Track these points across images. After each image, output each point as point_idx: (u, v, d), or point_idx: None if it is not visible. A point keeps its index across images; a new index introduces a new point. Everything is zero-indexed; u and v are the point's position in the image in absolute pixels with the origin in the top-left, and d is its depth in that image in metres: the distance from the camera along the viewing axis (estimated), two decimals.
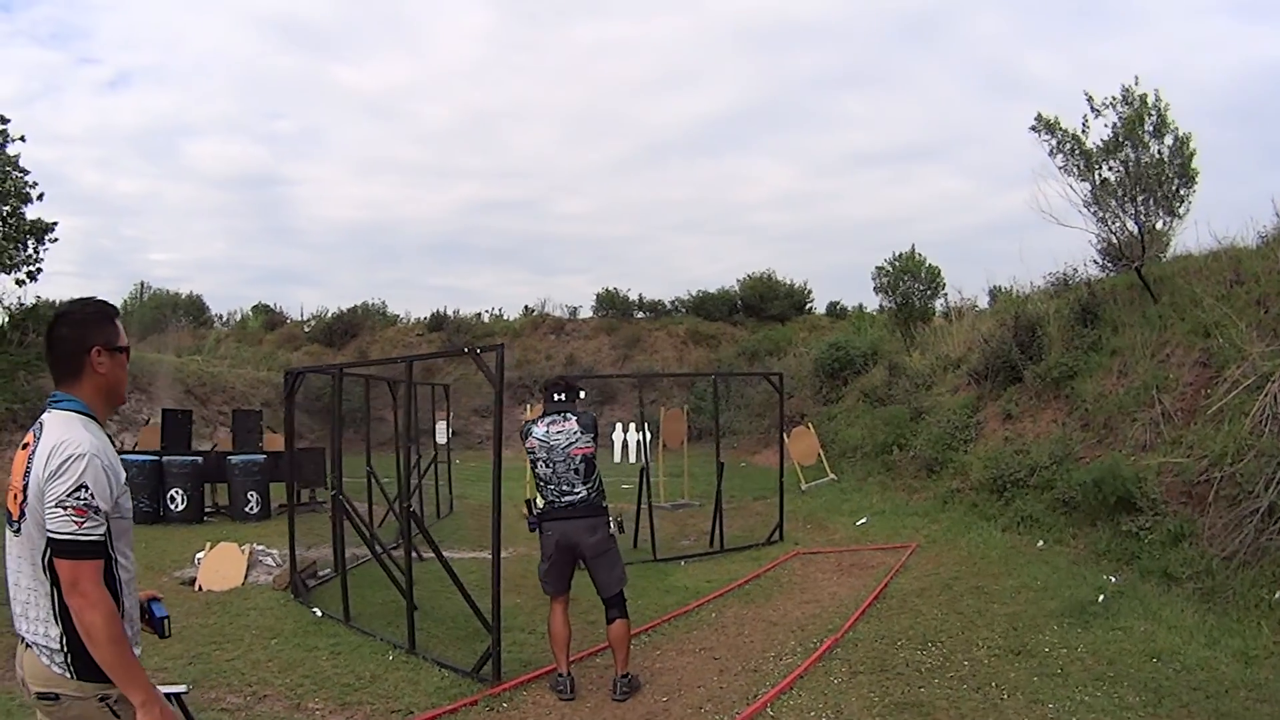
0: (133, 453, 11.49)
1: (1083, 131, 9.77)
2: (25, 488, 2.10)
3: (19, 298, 14.31)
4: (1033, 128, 10.08)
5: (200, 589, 7.30)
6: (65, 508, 2.03)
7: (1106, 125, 9.73)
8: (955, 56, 47.91)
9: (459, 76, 50.92)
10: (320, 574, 7.76)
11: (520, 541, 8.86)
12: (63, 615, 2.07)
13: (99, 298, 2.32)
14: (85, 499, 2.05)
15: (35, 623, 2.11)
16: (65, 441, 2.08)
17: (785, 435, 12.82)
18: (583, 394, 5.26)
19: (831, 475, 13.12)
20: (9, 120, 13.60)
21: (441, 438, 19.37)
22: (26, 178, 13.65)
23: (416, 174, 50.67)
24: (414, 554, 8.69)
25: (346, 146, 51.66)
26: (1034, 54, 44.98)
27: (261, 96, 51.78)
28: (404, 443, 5.97)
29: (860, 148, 49.03)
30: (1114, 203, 9.93)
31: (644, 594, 7.03)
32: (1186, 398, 8.11)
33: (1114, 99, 9.65)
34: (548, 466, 4.88)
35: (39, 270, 14.05)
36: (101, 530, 2.07)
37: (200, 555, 7.70)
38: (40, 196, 13.83)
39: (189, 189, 48.42)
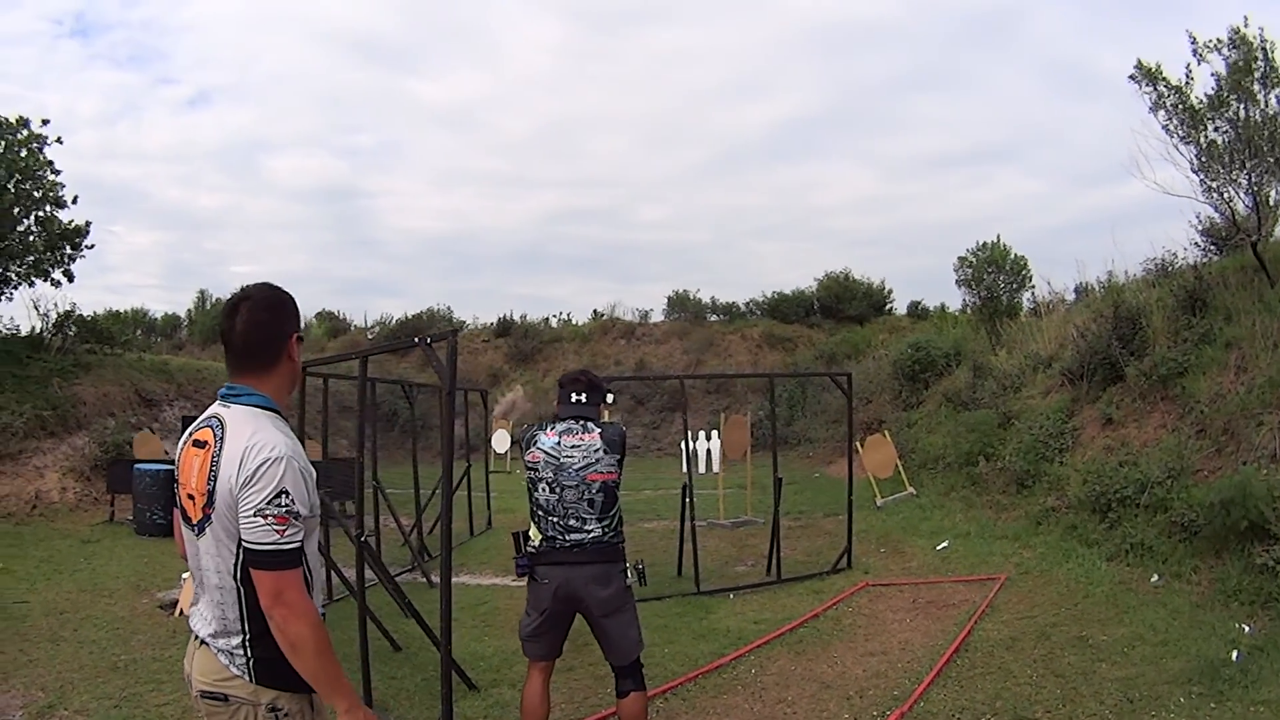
0: (147, 462, 11.11)
1: (1186, 83, 8.45)
2: (211, 492, 1.98)
3: (56, 302, 14.26)
4: (1131, 77, 8.77)
5: (180, 613, 6.59)
6: (265, 516, 1.91)
7: (1212, 75, 8.41)
8: (1024, 55, 45.64)
9: (534, 87, 50.96)
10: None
11: None
12: (250, 620, 1.97)
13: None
14: (286, 505, 1.92)
15: (218, 622, 2.00)
16: (259, 443, 1.95)
17: (858, 445, 11.73)
18: (611, 397, 4.13)
19: (910, 489, 11.92)
20: (48, 121, 13.48)
21: (500, 446, 18.98)
22: (58, 178, 13.53)
23: (496, 184, 50.90)
24: (426, 580, 8.09)
25: (425, 158, 52.38)
26: (1104, 51, 42.48)
27: (339, 112, 52.96)
28: (360, 455, 5.45)
29: (935, 150, 47.04)
30: (1221, 169, 8.60)
31: (673, 639, 6.07)
32: None
33: (1219, 41, 8.32)
34: (553, 491, 3.76)
35: (72, 276, 14.02)
36: (301, 536, 1.95)
37: (186, 575, 7.05)
38: (75, 200, 13.78)
39: (269, 203, 49.87)
